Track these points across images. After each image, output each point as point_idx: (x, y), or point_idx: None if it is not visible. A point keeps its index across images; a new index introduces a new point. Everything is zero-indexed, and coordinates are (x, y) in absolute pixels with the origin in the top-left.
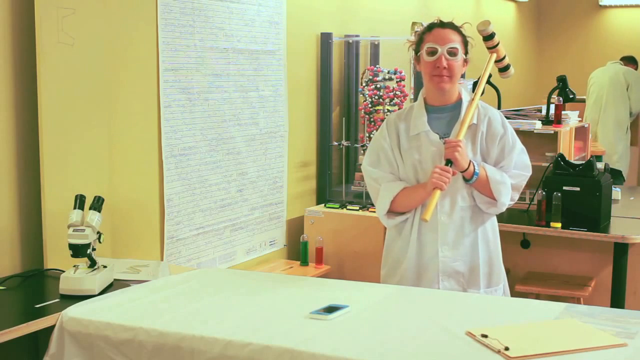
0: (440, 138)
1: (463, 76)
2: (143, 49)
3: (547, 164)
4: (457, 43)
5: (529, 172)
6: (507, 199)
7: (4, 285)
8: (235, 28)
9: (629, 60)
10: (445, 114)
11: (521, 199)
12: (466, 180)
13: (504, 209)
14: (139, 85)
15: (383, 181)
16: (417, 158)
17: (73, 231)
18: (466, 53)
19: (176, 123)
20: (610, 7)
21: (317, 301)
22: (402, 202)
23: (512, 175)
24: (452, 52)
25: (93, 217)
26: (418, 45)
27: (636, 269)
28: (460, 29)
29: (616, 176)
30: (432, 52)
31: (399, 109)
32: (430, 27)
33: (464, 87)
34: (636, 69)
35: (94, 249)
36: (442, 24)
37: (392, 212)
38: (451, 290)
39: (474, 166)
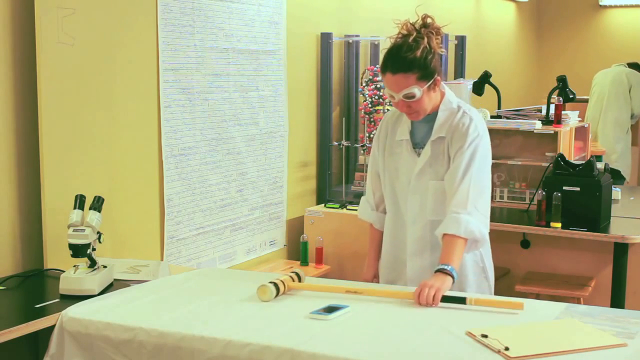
0: (413, 147)
1: (463, 76)
2: (143, 49)
3: (547, 164)
4: (412, 87)
5: (488, 197)
6: (485, 236)
7: (4, 285)
8: (235, 28)
9: (634, 67)
10: (423, 124)
11: (521, 199)
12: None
13: (487, 240)
14: (139, 85)
15: (368, 185)
16: (395, 166)
17: (73, 231)
18: (431, 75)
19: (176, 123)
20: (610, 7)
21: (317, 301)
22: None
23: (472, 213)
24: (409, 96)
25: (93, 217)
26: None
27: (636, 269)
28: (420, 42)
29: (615, 176)
30: (392, 97)
31: None
32: (383, 68)
33: (459, 87)
34: None
35: (94, 249)
36: (392, 68)
37: None
38: None
39: (450, 274)
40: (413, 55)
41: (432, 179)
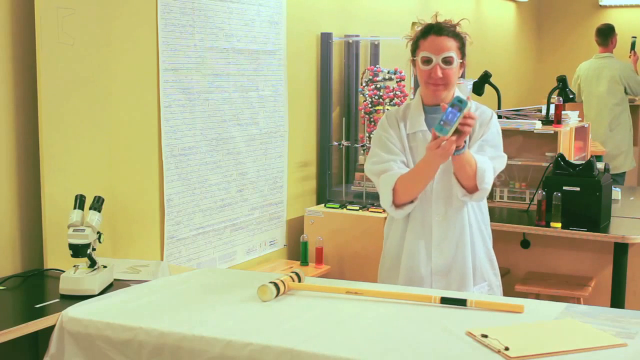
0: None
1: (463, 76)
2: (143, 49)
3: (547, 164)
4: (452, 51)
5: (504, 156)
6: (490, 183)
7: (4, 285)
8: (235, 28)
9: (605, 34)
10: (440, 113)
11: (521, 199)
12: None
13: (487, 194)
14: (139, 85)
15: (382, 159)
16: (413, 160)
17: (73, 231)
18: (463, 56)
19: (176, 123)
20: (610, 7)
21: (316, 301)
22: (404, 191)
23: (493, 158)
24: (448, 61)
25: (93, 217)
26: (414, 49)
27: (636, 269)
28: (457, 27)
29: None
30: (427, 61)
31: None
32: (426, 32)
33: (459, 87)
34: (613, 38)
35: (94, 249)
36: (438, 30)
37: (398, 202)
38: (443, 290)
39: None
40: (455, 29)
41: None
